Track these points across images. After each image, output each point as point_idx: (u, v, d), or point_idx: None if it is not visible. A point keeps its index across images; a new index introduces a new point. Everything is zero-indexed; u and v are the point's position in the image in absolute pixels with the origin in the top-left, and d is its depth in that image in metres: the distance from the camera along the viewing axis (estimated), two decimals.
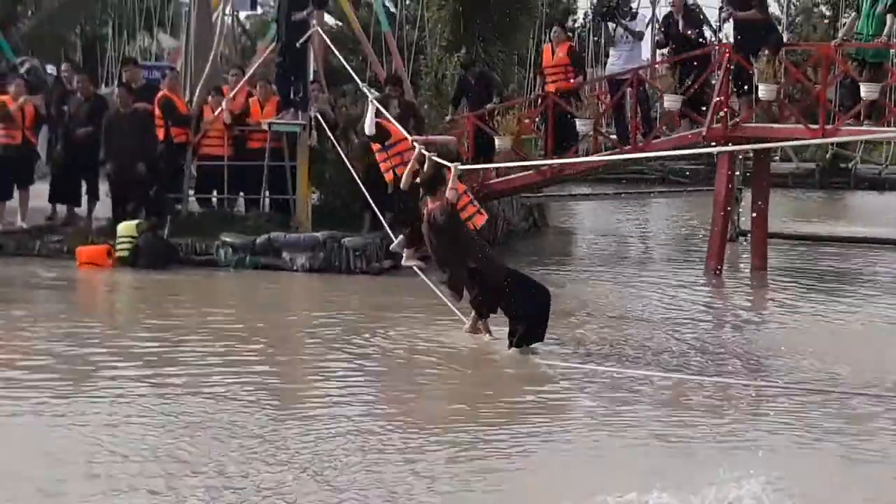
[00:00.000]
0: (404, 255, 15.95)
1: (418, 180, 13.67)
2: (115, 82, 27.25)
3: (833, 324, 15.62)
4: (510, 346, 13.02)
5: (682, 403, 11.11)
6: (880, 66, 19.19)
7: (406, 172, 14.29)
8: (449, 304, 14.32)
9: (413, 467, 9.01)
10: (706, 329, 15.09)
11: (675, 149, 19.45)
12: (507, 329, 13.20)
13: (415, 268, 15.62)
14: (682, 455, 9.55)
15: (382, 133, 15.46)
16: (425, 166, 13.82)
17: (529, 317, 13.03)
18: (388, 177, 15.49)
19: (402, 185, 14.34)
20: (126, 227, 18.93)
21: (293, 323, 15.38)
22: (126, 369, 12.09)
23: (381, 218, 17.07)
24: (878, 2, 18.55)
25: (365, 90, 16.25)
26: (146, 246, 18.83)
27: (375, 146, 15.66)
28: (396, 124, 15.72)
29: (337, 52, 19.71)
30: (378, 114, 15.53)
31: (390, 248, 16.87)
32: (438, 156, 14.14)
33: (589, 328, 14.59)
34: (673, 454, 9.55)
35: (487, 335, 13.60)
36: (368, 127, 15.48)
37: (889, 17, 18.42)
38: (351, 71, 18.54)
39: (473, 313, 13.73)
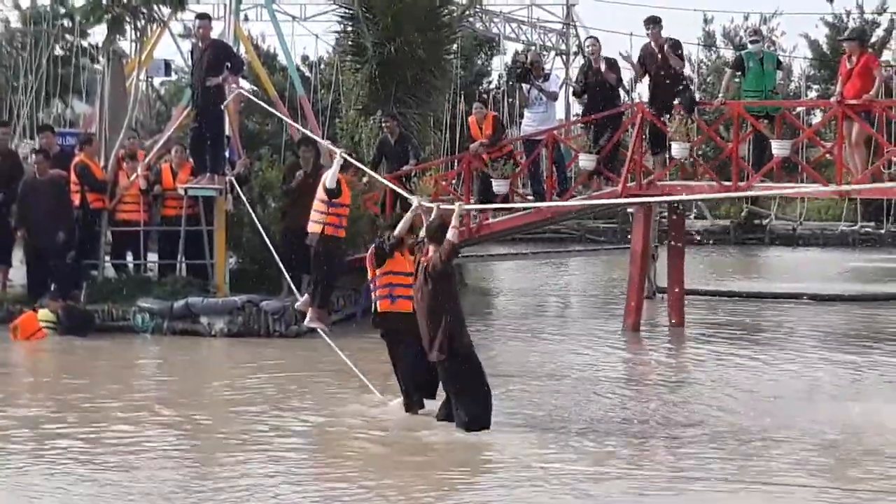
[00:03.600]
0: (308, 314, 15.81)
1: (423, 231, 13.07)
2: (30, 149, 27.03)
3: (751, 378, 15.72)
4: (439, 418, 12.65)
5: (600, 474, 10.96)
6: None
7: (404, 221, 13.48)
8: (358, 373, 14.23)
9: None
10: (624, 388, 15.13)
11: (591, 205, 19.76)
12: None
13: (319, 331, 15.51)
14: None
15: (338, 190, 15.37)
16: (430, 216, 13.18)
17: (471, 412, 12.32)
18: (317, 228, 15.39)
19: (397, 232, 13.47)
20: (44, 314, 18.73)
21: (210, 390, 15.16)
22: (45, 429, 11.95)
23: (292, 280, 16.81)
24: (763, 61, 19.97)
25: (332, 148, 16.14)
26: (65, 316, 18.69)
27: (322, 197, 15.45)
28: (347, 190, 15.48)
29: (271, 110, 19.58)
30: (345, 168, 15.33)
31: (295, 305, 16.72)
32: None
33: (512, 389, 14.50)
34: None
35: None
36: (331, 180, 15.23)
37: (777, 73, 20.35)
38: (314, 137, 18.18)
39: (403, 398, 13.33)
